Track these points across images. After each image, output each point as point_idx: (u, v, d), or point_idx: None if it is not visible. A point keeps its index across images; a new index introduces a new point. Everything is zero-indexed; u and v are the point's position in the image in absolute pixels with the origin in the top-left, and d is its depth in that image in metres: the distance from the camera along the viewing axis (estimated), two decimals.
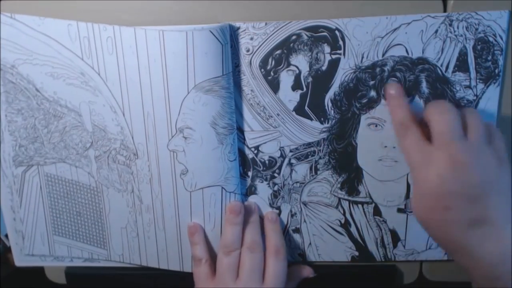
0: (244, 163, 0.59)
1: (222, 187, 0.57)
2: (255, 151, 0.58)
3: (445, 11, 0.52)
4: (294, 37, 0.53)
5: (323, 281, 0.63)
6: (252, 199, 0.60)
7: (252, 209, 0.59)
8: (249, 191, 0.60)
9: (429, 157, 0.48)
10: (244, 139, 0.58)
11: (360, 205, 0.60)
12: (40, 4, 0.55)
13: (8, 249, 0.67)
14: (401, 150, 0.52)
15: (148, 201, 0.59)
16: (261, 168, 0.59)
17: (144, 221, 0.60)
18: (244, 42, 0.54)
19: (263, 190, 0.60)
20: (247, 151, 0.58)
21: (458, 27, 0.52)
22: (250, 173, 0.59)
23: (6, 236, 0.66)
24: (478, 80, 0.54)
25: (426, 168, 0.48)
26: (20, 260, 0.66)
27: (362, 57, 0.54)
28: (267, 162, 0.59)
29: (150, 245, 0.61)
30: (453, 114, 0.49)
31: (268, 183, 0.60)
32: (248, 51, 0.54)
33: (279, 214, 0.61)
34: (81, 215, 0.63)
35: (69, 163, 0.60)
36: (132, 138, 0.56)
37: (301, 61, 0.54)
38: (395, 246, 0.61)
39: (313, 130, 0.57)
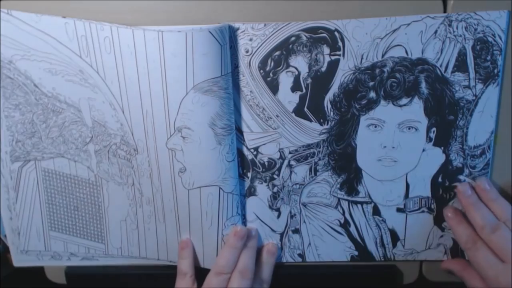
0: (244, 164, 0.59)
1: (220, 187, 0.57)
2: (255, 152, 0.58)
3: (445, 11, 0.52)
4: (293, 38, 0.53)
5: (323, 281, 0.63)
6: (251, 200, 0.60)
7: (252, 235, 0.60)
8: (249, 192, 0.60)
9: (501, 272, 0.52)
10: (244, 140, 0.58)
11: (359, 205, 0.60)
12: (40, 4, 0.55)
13: (8, 249, 0.67)
14: (472, 263, 0.55)
15: (148, 194, 0.59)
16: (260, 170, 0.59)
17: (144, 213, 0.61)
18: (243, 43, 0.54)
19: (263, 191, 0.60)
20: (246, 152, 0.58)
21: (457, 28, 0.52)
22: (249, 174, 0.59)
23: (6, 236, 0.66)
24: (477, 80, 0.54)
25: (500, 281, 0.52)
26: (18, 260, 0.66)
27: (362, 58, 0.54)
28: (266, 163, 0.59)
29: (150, 237, 0.62)
30: None
31: (268, 185, 0.59)
32: (247, 52, 0.54)
33: (278, 216, 0.61)
34: (79, 209, 0.63)
35: (67, 158, 0.60)
36: (132, 134, 0.57)
37: (300, 62, 0.54)
38: (394, 245, 0.61)
39: (312, 131, 0.57)
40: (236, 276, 0.57)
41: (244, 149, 0.58)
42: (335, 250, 0.62)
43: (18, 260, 0.66)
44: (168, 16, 0.54)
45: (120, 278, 0.66)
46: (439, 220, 0.60)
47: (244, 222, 0.61)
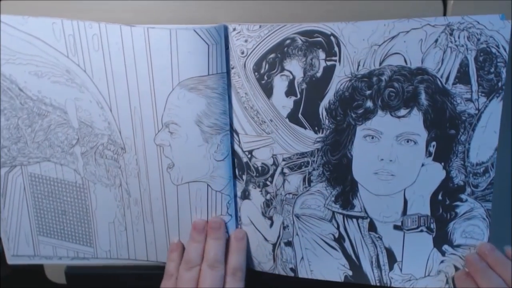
0: (239, 166, 0.58)
1: (208, 185, 0.57)
2: (249, 155, 0.57)
3: (445, 11, 0.51)
4: (288, 41, 0.53)
5: (319, 280, 0.61)
6: (246, 203, 0.59)
7: (218, 226, 0.58)
8: (243, 195, 0.59)
9: None
10: (239, 141, 0.57)
11: (354, 220, 0.57)
12: (39, 4, 0.56)
13: None
14: None
15: (136, 194, 0.59)
16: (254, 174, 0.58)
17: (132, 214, 0.61)
18: (239, 44, 0.54)
19: (256, 196, 0.59)
20: (241, 154, 0.57)
21: (459, 37, 0.50)
22: (244, 177, 0.58)
23: None
24: (480, 93, 0.51)
25: None
26: (11, 258, 0.66)
27: (358, 65, 0.52)
28: (260, 168, 0.57)
29: (139, 238, 0.62)
30: None
31: (261, 191, 0.58)
32: (242, 53, 0.54)
33: (270, 225, 0.59)
34: (67, 213, 0.63)
35: (54, 162, 0.60)
36: (120, 132, 0.57)
37: (295, 67, 0.53)
38: (391, 268, 0.58)
39: (306, 139, 0.56)
40: (205, 269, 0.56)
41: (240, 151, 0.57)
42: (328, 267, 0.59)
43: (12, 258, 0.66)
44: (167, 16, 0.55)
45: (120, 278, 0.66)
46: (439, 242, 0.56)
47: (239, 224, 0.60)
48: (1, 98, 0.58)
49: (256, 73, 0.54)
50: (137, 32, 0.52)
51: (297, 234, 0.59)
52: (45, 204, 0.63)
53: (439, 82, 0.52)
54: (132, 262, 0.64)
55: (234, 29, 0.53)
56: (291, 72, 0.54)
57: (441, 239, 0.56)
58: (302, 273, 0.60)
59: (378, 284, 0.59)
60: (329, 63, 0.53)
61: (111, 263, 0.64)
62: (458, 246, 0.56)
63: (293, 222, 0.59)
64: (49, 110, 0.58)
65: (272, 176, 0.57)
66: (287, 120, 0.55)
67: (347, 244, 0.58)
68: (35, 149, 0.60)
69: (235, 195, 0.59)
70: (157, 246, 0.61)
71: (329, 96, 0.54)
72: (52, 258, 0.65)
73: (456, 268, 0.57)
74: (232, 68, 0.55)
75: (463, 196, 0.55)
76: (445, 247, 0.56)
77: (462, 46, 0.51)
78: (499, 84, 0.51)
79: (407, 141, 0.54)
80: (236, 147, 0.57)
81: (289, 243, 0.60)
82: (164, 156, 0.56)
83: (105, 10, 0.56)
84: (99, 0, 0.56)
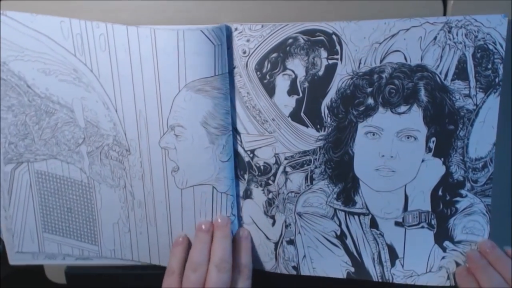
0: (240, 165, 0.58)
1: (213, 187, 0.57)
2: (251, 155, 0.58)
3: (445, 11, 0.52)
4: (290, 40, 0.53)
5: (321, 278, 0.61)
6: (247, 203, 0.59)
7: (225, 223, 0.58)
8: (245, 194, 0.59)
9: None
10: (241, 141, 0.57)
11: (356, 216, 0.58)
12: (39, 4, 0.56)
13: None
14: None
15: (140, 196, 0.59)
16: (256, 173, 0.58)
17: (136, 216, 0.60)
18: (240, 43, 0.54)
19: (258, 196, 0.59)
20: (243, 154, 0.58)
21: (457, 34, 0.52)
22: (246, 176, 0.58)
23: None
24: (478, 89, 0.53)
25: None
26: (14, 259, 0.66)
27: (360, 63, 0.53)
28: (262, 167, 0.58)
29: (142, 241, 0.61)
30: None
31: (263, 190, 0.59)
32: (244, 53, 0.54)
33: (272, 224, 0.60)
34: (72, 211, 0.62)
35: (60, 159, 0.60)
36: (125, 134, 0.57)
37: (297, 66, 0.54)
38: (393, 264, 0.59)
39: (309, 137, 0.56)
40: (212, 270, 0.55)
41: (241, 151, 0.58)
42: (331, 264, 0.60)
43: (14, 259, 0.66)
44: (168, 16, 0.55)
45: (120, 278, 0.66)
46: (440, 239, 0.57)
47: (240, 224, 0.60)
48: (9, 95, 0.58)
49: (258, 73, 0.55)
50: (143, 33, 0.52)
51: (299, 232, 0.59)
52: (51, 201, 0.62)
53: (438, 79, 0.53)
54: (135, 263, 0.63)
55: (236, 29, 0.54)
56: (293, 71, 0.54)
57: (442, 235, 0.57)
58: (305, 271, 0.61)
59: (380, 280, 0.59)
60: (331, 61, 0.54)
61: (115, 263, 0.64)
62: (459, 242, 0.57)
63: (295, 220, 0.59)
64: (57, 108, 0.58)
65: (274, 175, 0.58)
66: (289, 119, 0.56)
67: (349, 241, 0.59)
68: (42, 146, 0.60)
69: (237, 195, 0.60)
70: (160, 249, 0.61)
71: (331, 94, 0.55)
72: (56, 257, 0.65)
73: (457, 264, 0.58)
74: (234, 67, 0.55)
75: (463, 192, 0.56)
76: (446, 243, 0.57)
77: (460, 43, 0.52)
78: (496, 80, 0.52)
79: (408, 137, 0.55)
80: (238, 147, 0.58)
81: (291, 242, 0.60)
82: (169, 159, 0.56)
83: (105, 10, 0.56)
84: (99, 0, 0.56)
